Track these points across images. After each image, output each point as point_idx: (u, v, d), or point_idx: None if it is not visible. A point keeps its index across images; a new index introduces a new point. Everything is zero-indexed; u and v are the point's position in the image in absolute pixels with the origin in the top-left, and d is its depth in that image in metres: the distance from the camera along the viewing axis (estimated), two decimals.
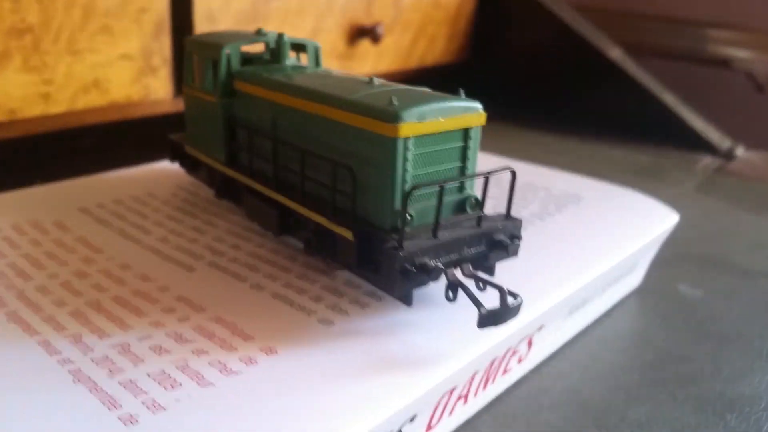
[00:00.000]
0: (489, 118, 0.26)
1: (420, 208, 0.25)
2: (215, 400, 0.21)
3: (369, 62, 0.68)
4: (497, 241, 0.25)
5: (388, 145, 0.24)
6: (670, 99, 0.72)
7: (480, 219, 0.25)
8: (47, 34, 0.45)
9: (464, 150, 0.26)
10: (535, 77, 0.78)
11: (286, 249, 0.31)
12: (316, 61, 0.35)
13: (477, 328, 0.23)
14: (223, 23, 0.54)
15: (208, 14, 0.53)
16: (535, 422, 0.28)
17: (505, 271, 0.28)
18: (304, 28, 0.61)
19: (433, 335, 0.25)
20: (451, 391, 0.25)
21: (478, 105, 0.26)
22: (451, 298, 0.24)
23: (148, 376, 0.22)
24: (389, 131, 0.24)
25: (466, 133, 0.25)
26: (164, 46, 0.51)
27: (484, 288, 0.24)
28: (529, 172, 0.42)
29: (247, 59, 0.34)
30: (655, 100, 0.71)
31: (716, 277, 0.42)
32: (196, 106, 0.35)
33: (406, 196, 0.23)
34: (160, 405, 0.21)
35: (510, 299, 0.24)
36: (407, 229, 0.24)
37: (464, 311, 0.24)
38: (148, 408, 0.20)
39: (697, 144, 0.70)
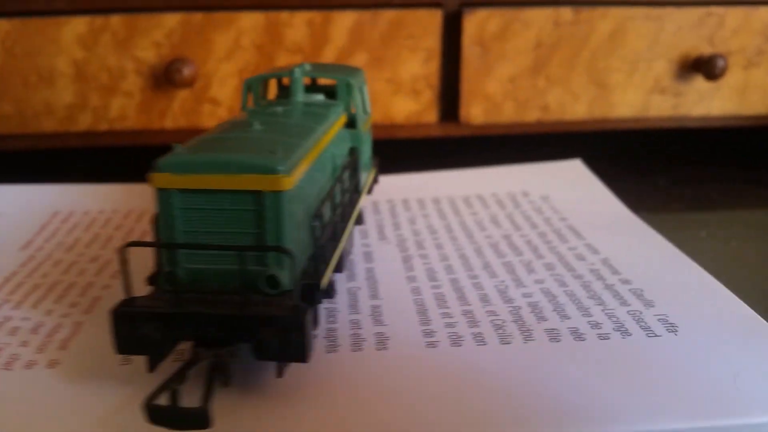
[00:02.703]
0: None
1: (195, 270, 0.22)
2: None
3: (710, 101, 0.55)
4: (257, 333, 0.20)
5: (155, 194, 0.22)
6: None
7: (244, 301, 0.21)
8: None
9: (258, 216, 0.21)
10: None
11: None
12: (349, 99, 0.32)
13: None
14: (495, 49, 0.52)
15: (479, 40, 0.52)
16: None
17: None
18: (619, 57, 0.53)
19: None
20: None
21: (276, 165, 0.21)
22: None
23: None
24: (151, 179, 0.22)
25: (257, 196, 0.21)
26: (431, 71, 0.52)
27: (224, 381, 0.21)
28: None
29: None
30: None
31: None
32: None
33: (120, 250, 0.21)
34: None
35: (198, 402, 0.19)
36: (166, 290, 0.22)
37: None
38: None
39: None
